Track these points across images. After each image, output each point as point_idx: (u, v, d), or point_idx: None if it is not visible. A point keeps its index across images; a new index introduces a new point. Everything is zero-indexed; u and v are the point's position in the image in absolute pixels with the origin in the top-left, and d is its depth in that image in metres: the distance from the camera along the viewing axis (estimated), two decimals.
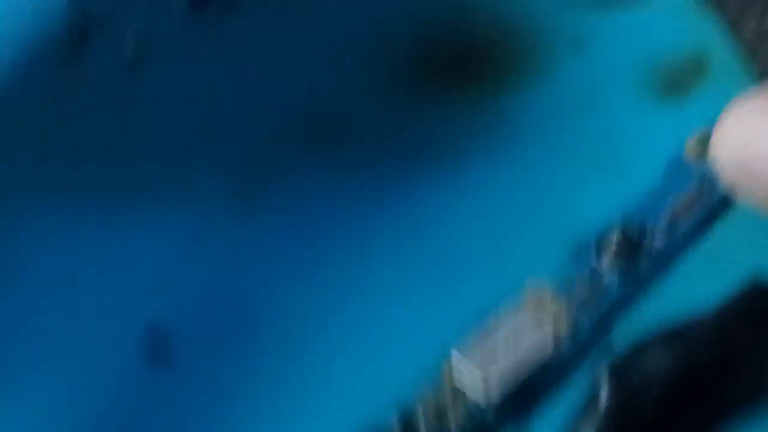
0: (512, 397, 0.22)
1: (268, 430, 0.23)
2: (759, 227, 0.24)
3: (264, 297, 0.24)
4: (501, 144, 0.26)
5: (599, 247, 0.23)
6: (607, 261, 0.23)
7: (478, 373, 0.22)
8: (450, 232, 0.24)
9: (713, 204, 0.24)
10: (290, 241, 0.24)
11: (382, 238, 0.25)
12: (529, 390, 0.22)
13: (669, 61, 0.26)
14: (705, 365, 0.21)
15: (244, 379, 0.23)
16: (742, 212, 0.24)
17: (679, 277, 0.23)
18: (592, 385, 0.21)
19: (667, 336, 0.22)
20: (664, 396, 0.21)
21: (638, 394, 0.21)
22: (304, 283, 0.24)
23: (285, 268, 0.24)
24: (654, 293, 0.23)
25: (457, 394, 0.22)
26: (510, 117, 0.26)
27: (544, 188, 0.25)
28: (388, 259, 0.24)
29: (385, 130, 0.26)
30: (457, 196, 0.25)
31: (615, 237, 0.23)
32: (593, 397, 0.21)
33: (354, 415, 0.22)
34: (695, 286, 0.23)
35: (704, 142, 0.24)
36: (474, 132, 0.26)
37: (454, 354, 0.22)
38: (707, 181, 0.24)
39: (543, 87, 0.26)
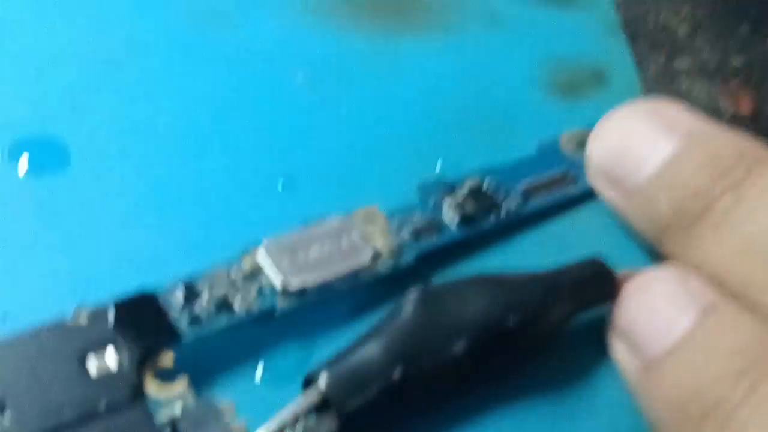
0: (311, 293, 0.20)
1: None
2: (610, 225, 0.23)
3: None
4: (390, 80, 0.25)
5: (450, 188, 0.22)
6: (452, 203, 0.22)
7: (280, 258, 0.20)
8: None
9: (572, 192, 0.23)
10: None
11: None
12: (332, 293, 0.20)
13: (573, 63, 0.26)
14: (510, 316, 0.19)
15: None
16: (599, 207, 0.23)
17: (520, 246, 0.22)
18: (399, 304, 0.19)
19: (482, 282, 0.20)
20: (470, 335, 0.19)
21: (441, 323, 0.19)
22: None
23: None
24: (490, 252, 0.22)
25: (255, 275, 0.20)
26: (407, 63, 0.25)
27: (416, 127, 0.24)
28: None
29: None
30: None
31: (468, 184, 0.22)
32: (396, 311, 0.19)
33: None
34: (532, 258, 0.22)
35: (581, 138, 0.24)
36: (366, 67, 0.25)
37: (265, 240, 0.21)
38: (574, 171, 0.23)
39: (447, 47, 0.26)
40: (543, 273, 0.20)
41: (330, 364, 0.18)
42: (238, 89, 0.25)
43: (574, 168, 0.23)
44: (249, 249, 0.20)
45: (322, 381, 0.18)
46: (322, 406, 0.18)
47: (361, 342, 0.19)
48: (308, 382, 0.18)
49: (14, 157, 0.23)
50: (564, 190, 0.23)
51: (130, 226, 0.22)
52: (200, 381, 0.19)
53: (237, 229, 0.22)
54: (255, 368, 0.19)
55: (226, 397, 0.19)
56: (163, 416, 0.18)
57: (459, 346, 0.19)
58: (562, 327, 0.20)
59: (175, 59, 0.25)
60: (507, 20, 0.27)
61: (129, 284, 0.20)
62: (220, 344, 0.19)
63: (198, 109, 0.24)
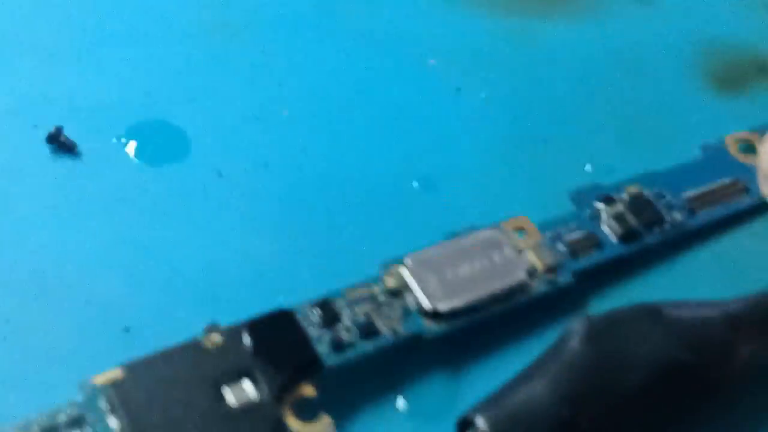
0: (460, 315, 0.18)
1: None
2: None
3: None
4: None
5: (607, 197, 0.20)
6: (611, 214, 0.20)
7: (426, 276, 0.18)
8: None
9: (743, 204, 0.21)
10: None
11: None
12: (483, 316, 0.18)
13: (731, 52, 0.24)
14: (679, 366, 0.17)
15: None
16: None
17: (687, 264, 0.20)
18: (563, 337, 0.17)
19: (654, 314, 0.18)
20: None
21: (612, 360, 0.17)
22: None
23: None
24: (653, 271, 0.20)
25: (399, 295, 0.18)
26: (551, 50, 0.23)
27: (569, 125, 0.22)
28: None
29: None
30: None
31: (628, 192, 0.20)
32: (560, 345, 0.17)
33: None
34: (700, 279, 0.20)
35: (749, 141, 0.21)
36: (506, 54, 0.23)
37: (407, 257, 0.19)
38: (744, 179, 0.21)
39: (595, 32, 0.23)
40: (723, 304, 0.18)
41: (488, 405, 0.16)
42: (367, 78, 0.23)
43: (744, 175, 0.21)
44: (390, 265, 0.18)
45: (482, 424, 0.16)
46: None
47: (521, 379, 0.17)
48: (465, 424, 0.16)
49: (129, 143, 0.21)
50: (734, 200, 0.21)
51: (253, 230, 0.20)
52: (339, 411, 0.17)
53: (373, 238, 0.20)
54: (398, 398, 0.18)
55: (367, 430, 0.17)
56: None
57: (633, 386, 0.17)
58: (752, 370, 0.18)
59: (301, 45, 0.23)
60: (659, 2, 0.24)
61: (254, 297, 0.18)
62: (361, 371, 0.18)
63: (324, 98, 0.22)
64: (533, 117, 0.22)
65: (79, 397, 0.16)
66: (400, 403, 0.18)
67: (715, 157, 0.21)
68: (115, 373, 0.16)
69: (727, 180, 0.21)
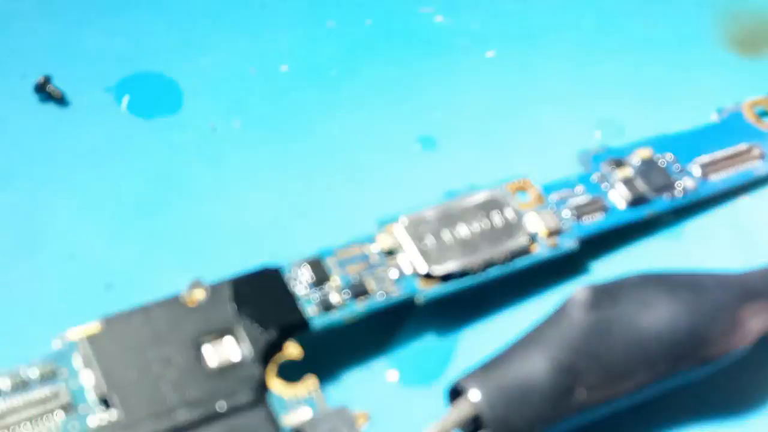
0: (456, 278, 0.17)
1: None
2: None
3: None
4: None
5: (617, 160, 0.19)
6: (620, 178, 0.19)
7: (421, 236, 0.17)
8: None
9: (759, 172, 0.20)
10: None
11: None
12: (480, 281, 0.17)
13: (750, 15, 0.23)
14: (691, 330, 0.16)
15: None
16: None
17: (696, 232, 0.19)
18: (565, 305, 0.16)
19: (661, 284, 0.17)
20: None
21: (617, 330, 0.16)
22: None
23: None
24: (662, 239, 0.19)
25: (392, 255, 0.17)
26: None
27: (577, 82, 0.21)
28: None
29: None
30: None
31: (638, 156, 0.19)
32: (561, 313, 0.16)
33: None
34: (709, 247, 0.19)
35: (766, 107, 0.20)
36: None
37: (403, 216, 0.18)
38: (761, 146, 0.20)
39: None
40: (734, 275, 0.17)
41: (483, 373, 0.16)
42: (369, 32, 0.22)
43: (761, 141, 0.20)
44: (384, 224, 0.18)
45: (475, 393, 0.15)
46: (473, 424, 0.15)
47: (518, 348, 0.16)
48: (456, 392, 0.16)
49: (121, 97, 0.20)
50: (749, 167, 0.20)
51: (245, 187, 0.19)
52: (325, 375, 0.16)
53: (369, 197, 0.19)
54: (388, 364, 0.17)
55: (354, 395, 0.16)
56: (287, 421, 0.15)
57: (636, 357, 0.16)
58: (759, 340, 0.17)
59: None
60: None
61: (243, 254, 0.17)
62: (350, 334, 0.17)
63: (324, 53, 0.21)
64: (541, 75, 0.21)
65: (54, 351, 0.15)
66: (390, 368, 0.17)
67: (731, 122, 0.20)
68: (91, 327, 0.15)
69: (742, 146, 0.20)
